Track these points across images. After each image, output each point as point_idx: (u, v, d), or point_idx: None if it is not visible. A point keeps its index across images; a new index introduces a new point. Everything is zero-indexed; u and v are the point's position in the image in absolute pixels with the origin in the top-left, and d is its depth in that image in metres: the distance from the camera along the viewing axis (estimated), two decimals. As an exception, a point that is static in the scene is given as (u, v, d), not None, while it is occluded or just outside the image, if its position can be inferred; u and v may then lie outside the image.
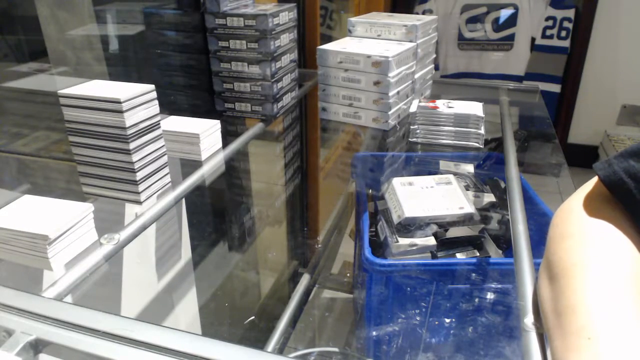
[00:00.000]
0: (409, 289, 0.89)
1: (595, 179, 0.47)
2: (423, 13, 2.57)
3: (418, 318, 0.91)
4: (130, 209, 0.74)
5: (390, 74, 1.01)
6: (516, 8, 2.46)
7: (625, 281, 0.37)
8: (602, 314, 0.35)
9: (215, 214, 1.29)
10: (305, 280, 1.15)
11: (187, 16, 1.03)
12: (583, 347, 0.34)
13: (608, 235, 0.42)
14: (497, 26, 2.52)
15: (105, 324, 0.45)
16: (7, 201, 0.65)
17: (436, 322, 0.91)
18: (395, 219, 0.94)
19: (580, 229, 0.43)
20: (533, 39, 2.50)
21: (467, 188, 1.05)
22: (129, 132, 0.68)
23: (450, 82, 2.29)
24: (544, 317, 0.41)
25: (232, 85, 1.06)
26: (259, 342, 1.08)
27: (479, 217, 0.95)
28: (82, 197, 0.75)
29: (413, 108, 1.06)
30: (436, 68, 2.59)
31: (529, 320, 0.50)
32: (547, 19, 2.44)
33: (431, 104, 1.07)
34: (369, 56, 1.01)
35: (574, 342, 0.35)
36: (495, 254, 0.92)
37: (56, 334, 0.44)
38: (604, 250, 0.40)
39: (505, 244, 0.96)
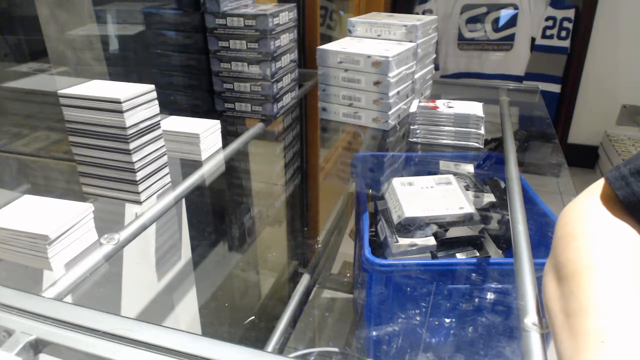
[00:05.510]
0: (409, 289, 0.89)
1: (602, 180, 0.47)
2: (423, 13, 2.57)
3: (418, 318, 0.91)
4: (130, 209, 0.74)
5: (390, 74, 1.01)
6: (516, 8, 2.46)
7: (638, 285, 0.37)
8: (616, 317, 0.35)
9: (215, 214, 1.29)
10: (305, 280, 1.15)
11: (187, 16, 1.03)
12: (597, 350, 0.34)
13: (620, 238, 0.41)
14: (497, 26, 2.51)
15: (105, 324, 0.45)
16: (7, 201, 0.65)
17: (436, 322, 0.91)
18: (395, 219, 0.94)
19: (591, 230, 0.43)
20: (533, 39, 2.50)
21: (467, 188, 1.05)
22: (129, 132, 0.68)
23: (450, 82, 2.29)
24: (551, 317, 0.40)
25: (232, 85, 1.06)
26: (259, 342, 1.08)
27: (479, 217, 0.95)
28: (82, 197, 0.75)
29: (413, 108, 1.06)
30: (436, 68, 2.59)
31: (529, 320, 0.50)
32: (547, 19, 2.44)
33: (431, 104, 1.07)
34: (369, 56, 1.01)
35: (586, 344, 0.35)
36: (495, 254, 0.92)
37: (56, 334, 0.44)
38: (617, 253, 0.40)
39: (505, 244, 0.96)
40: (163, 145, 0.76)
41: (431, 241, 0.91)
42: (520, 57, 2.54)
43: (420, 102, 1.09)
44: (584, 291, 0.38)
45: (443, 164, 1.12)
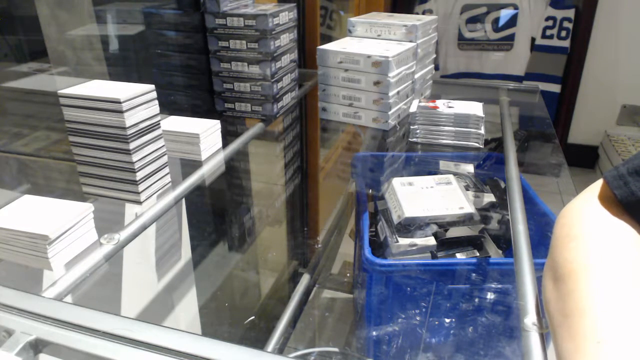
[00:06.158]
0: (409, 289, 0.89)
1: (601, 181, 0.47)
2: (423, 13, 2.57)
3: (418, 318, 0.91)
4: (130, 209, 0.74)
5: (390, 74, 1.01)
6: (516, 8, 2.46)
7: (635, 285, 0.37)
8: (611, 317, 0.35)
9: (215, 214, 1.29)
10: (305, 280, 1.15)
11: (187, 16, 1.03)
12: (593, 350, 0.34)
13: (618, 237, 0.41)
14: (497, 26, 2.52)
15: (105, 324, 0.45)
16: (7, 201, 0.65)
17: (436, 322, 0.91)
18: (395, 219, 0.94)
19: (589, 231, 0.43)
20: (533, 39, 2.50)
21: (467, 188, 1.05)
22: (129, 132, 0.68)
23: (450, 82, 2.29)
24: (550, 317, 0.41)
25: (232, 85, 1.06)
26: (259, 342, 1.08)
27: (479, 217, 0.95)
28: (82, 197, 0.75)
29: (413, 108, 1.06)
30: (436, 68, 2.59)
31: (529, 320, 0.50)
32: (547, 19, 2.44)
33: (431, 104, 1.07)
34: (369, 56, 1.01)
35: (583, 345, 0.35)
36: (495, 254, 0.92)
37: (56, 334, 0.44)
38: (614, 253, 0.40)
39: (505, 244, 0.96)
40: (163, 145, 0.76)
41: (431, 241, 0.91)
42: (520, 57, 2.54)
43: (420, 102, 1.09)
44: (580, 291, 0.38)
45: (443, 164, 1.12)
